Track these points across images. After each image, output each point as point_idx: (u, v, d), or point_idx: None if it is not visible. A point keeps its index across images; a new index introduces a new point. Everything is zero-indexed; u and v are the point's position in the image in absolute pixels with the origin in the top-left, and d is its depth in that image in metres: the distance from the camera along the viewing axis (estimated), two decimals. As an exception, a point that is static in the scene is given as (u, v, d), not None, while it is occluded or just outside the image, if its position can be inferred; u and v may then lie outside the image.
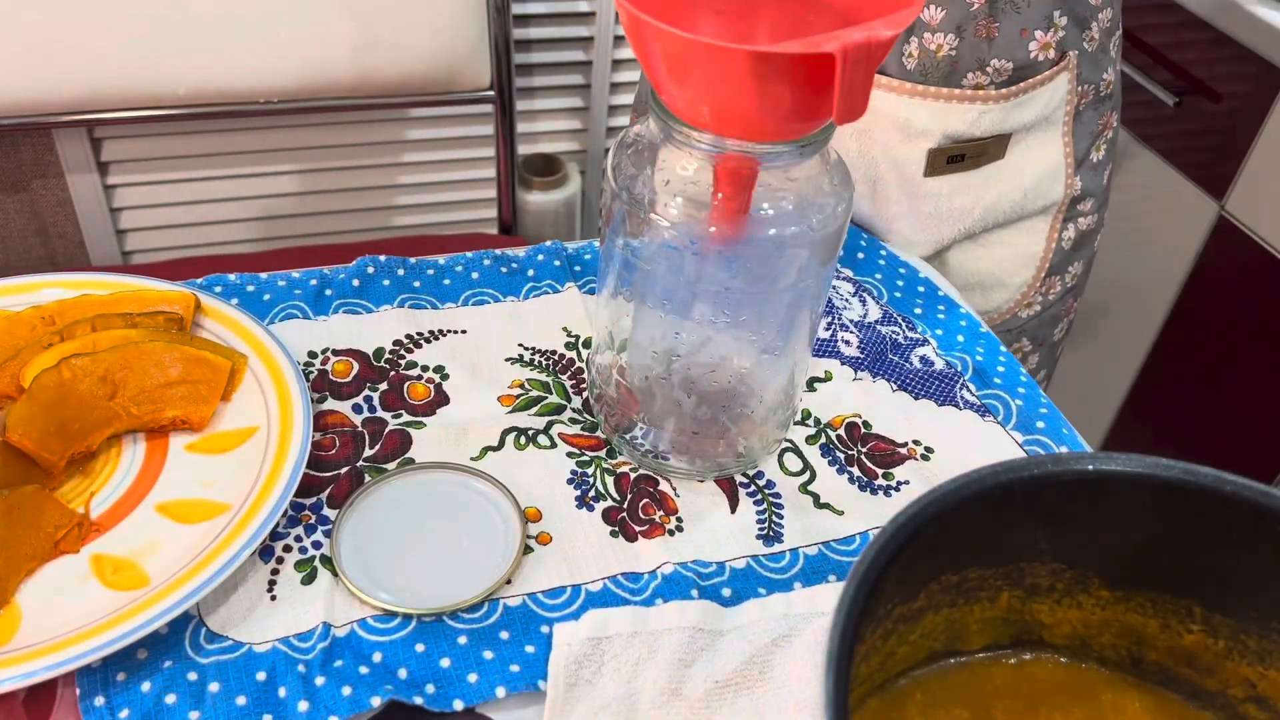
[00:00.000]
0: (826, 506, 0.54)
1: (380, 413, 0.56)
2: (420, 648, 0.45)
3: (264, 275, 0.64)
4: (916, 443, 0.58)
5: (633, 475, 0.54)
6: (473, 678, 0.44)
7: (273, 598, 0.47)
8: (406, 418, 0.56)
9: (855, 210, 0.73)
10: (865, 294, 0.68)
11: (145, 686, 0.43)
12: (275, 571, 0.48)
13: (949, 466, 0.56)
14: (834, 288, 0.68)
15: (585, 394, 0.58)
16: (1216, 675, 0.41)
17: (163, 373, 0.52)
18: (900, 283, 0.69)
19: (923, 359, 0.63)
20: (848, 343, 0.63)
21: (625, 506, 0.52)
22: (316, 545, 0.49)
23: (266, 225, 1.41)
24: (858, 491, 0.55)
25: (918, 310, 0.67)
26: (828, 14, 0.44)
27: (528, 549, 0.50)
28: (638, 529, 0.51)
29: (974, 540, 0.39)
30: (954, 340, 0.65)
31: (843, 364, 0.62)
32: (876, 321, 0.65)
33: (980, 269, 0.77)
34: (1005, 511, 0.38)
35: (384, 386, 0.57)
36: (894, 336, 0.64)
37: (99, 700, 0.42)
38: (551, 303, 0.64)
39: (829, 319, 0.65)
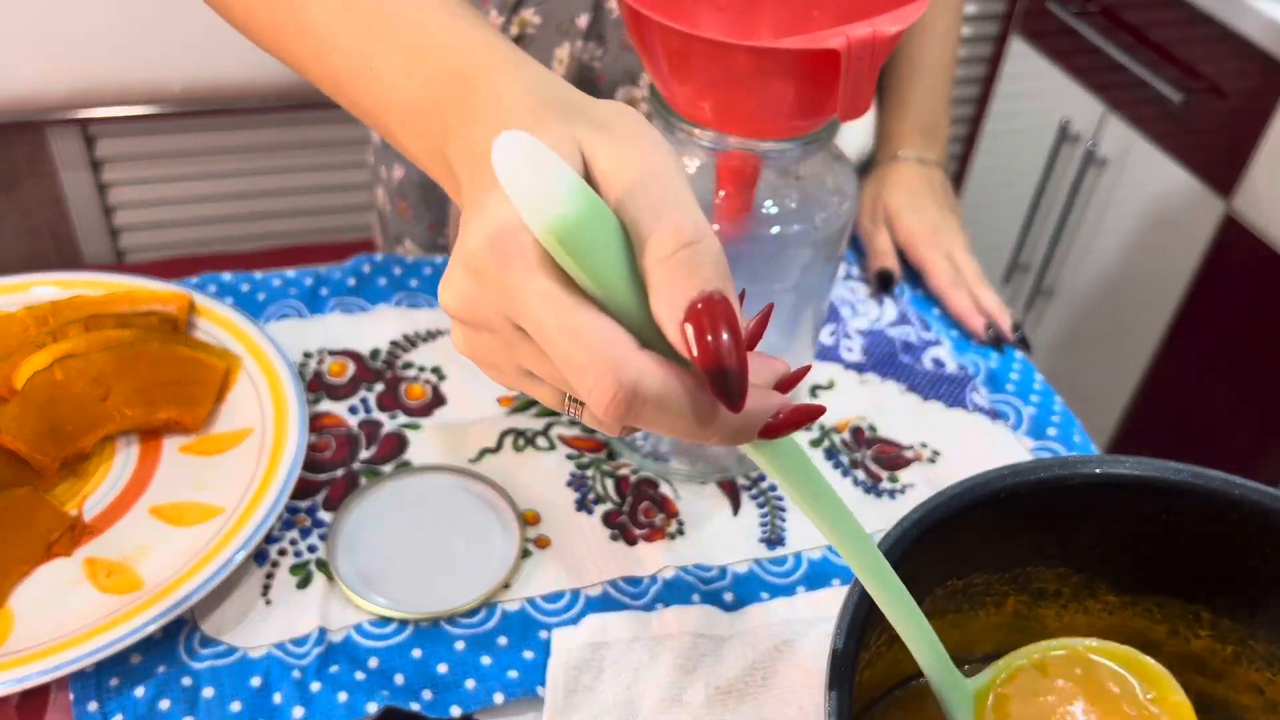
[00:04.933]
0: (829, 509, 0.53)
1: (376, 414, 0.55)
2: (417, 653, 0.45)
3: (258, 274, 0.63)
4: (924, 445, 0.57)
5: (633, 478, 0.54)
6: (470, 684, 0.44)
7: (267, 602, 0.46)
8: (403, 419, 0.55)
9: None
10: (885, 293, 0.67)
11: (139, 691, 0.42)
12: (270, 575, 0.47)
13: (956, 470, 0.55)
14: (851, 289, 0.67)
15: (585, 394, 0.58)
16: (1224, 680, 0.41)
17: (156, 374, 0.52)
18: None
19: (935, 360, 0.62)
20: (850, 349, 0.62)
21: (625, 509, 0.52)
22: (312, 549, 0.48)
23: (262, 223, 1.41)
24: (862, 495, 0.54)
25: (936, 310, 0.66)
26: (831, 10, 0.44)
27: (526, 553, 0.49)
28: (638, 532, 0.51)
29: (980, 545, 0.39)
30: (968, 343, 0.64)
31: (846, 369, 0.61)
32: (890, 324, 0.64)
33: None
34: (1012, 515, 0.38)
35: (380, 387, 0.57)
36: (905, 337, 0.63)
37: (92, 705, 0.42)
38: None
39: (833, 325, 0.64)
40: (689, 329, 0.25)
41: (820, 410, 0.28)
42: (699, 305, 0.25)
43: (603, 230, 0.25)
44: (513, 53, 0.32)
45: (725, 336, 0.25)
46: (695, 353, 0.25)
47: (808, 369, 0.30)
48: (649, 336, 0.26)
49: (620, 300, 0.26)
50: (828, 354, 0.62)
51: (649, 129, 0.29)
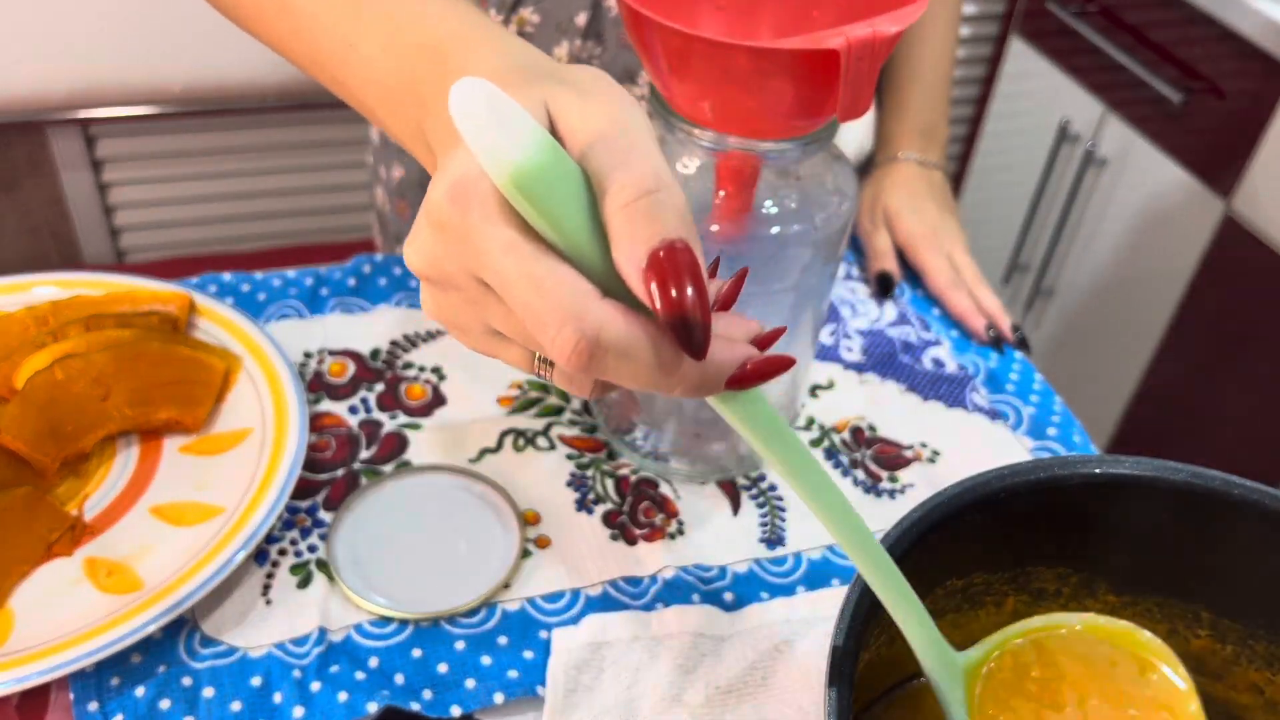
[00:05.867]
0: (829, 509, 0.53)
1: (376, 414, 0.55)
2: (417, 653, 0.45)
3: (259, 274, 0.63)
4: (924, 445, 0.57)
5: (633, 478, 0.54)
6: (470, 683, 0.44)
7: (268, 602, 0.46)
8: (403, 419, 0.55)
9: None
10: (886, 293, 0.67)
11: (139, 691, 0.42)
12: (270, 575, 0.47)
13: (955, 470, 0.55)
14: (851, 289, 0.67)
15: (585, 394, 0.58)
16: (1224, 680, 0.41)
17: (156, 374, 0.52)
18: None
19: (935, 360, 0.62)
20: (850, 349, 0.62)
21: (625, 509, 0.52)
22: (312, 549, 0.48)
23: (262, 223, 1.41)
24: (862, 494, 0.54)
25: (936, 311, 0.67)
26: (831, 10, 0.44)
27: (526, 552, 0.49)
28: (638, 532, 0.51)
29: (980, 544, 0.39)
30: (968, 343, 0.64)
31: (846, 369, 0.61)
32: (890, 324, 0.64)
33: None
34: (1011, 515, 0.38)
35: (380, 387, 0.57)
36: (905, 337, 0.64)
37: (92, 705, 0.42)
38: (551, 302, 0.63)
39: (834, 325, 0.64)
40: (650, 278, 0.24)
41: (790, 361, 0.27)
42: (660, 253, 0.24)
43: (564, 179, 0.25)
44: (487, 26, 0.32)
45: (687, 284, 0.24)
46: (657, 300, 0.24)
47: (783, 330, 0.29)
48: (612, 286, 0.26)
49: (582, 249, 0.25)
50: (828, 354, 0.62)
51: (617, 88, 0.28)
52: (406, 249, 0.29)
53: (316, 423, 0.54)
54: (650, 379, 0.26)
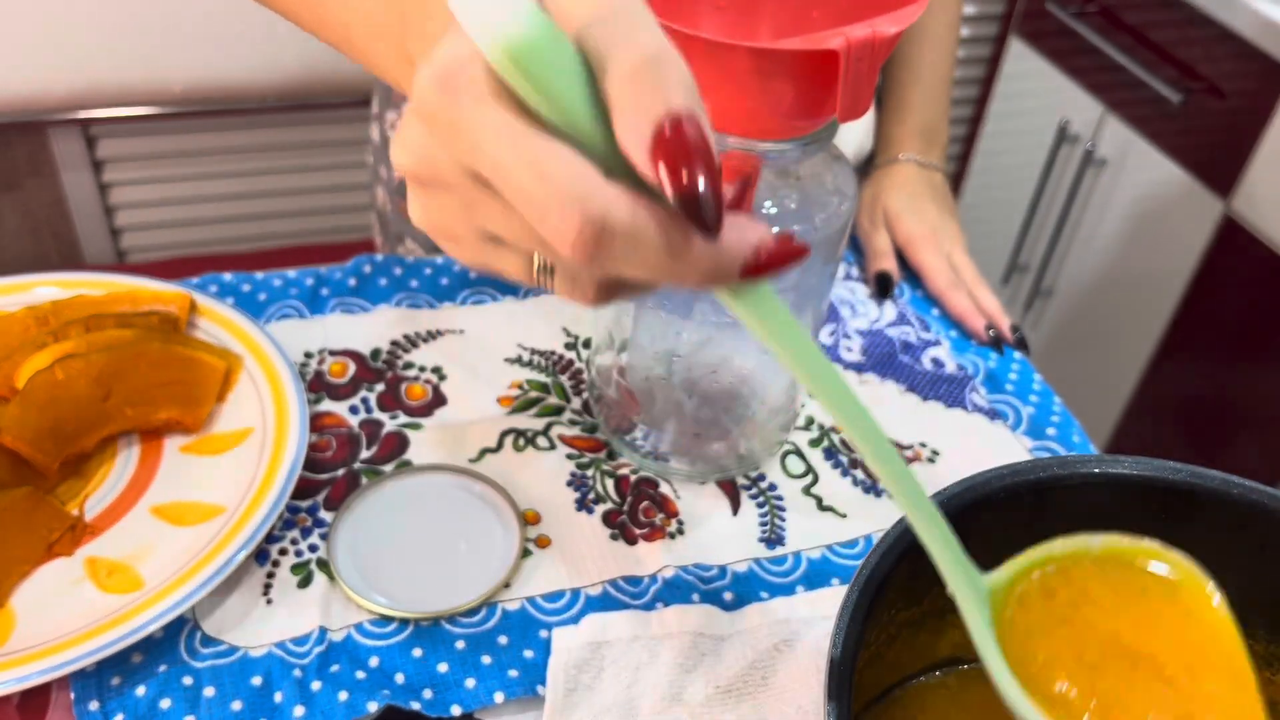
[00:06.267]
0: (829, 509, 0.53)
1: (377, 414, 0.55)
2: (417, 652, 0.45)
3: (259, 274, 0.63)
4: (923, 445, 0.57)
5: (633, 477, 0.54)
6: (470, 683, 0.44)
7: (268, 601, 0.46)
8: (404, 419, 0.55)
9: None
10: (886, 293, 0.67)
11: (140, 691, 0.42)
12: (271, 575, 0.47)
13: (955, 469, 0.55)
14: (851, 289, 0.67)
15: (585, 395, 0.58)
16: (1224, 680, 0.41)
17: (157, 374, 0.52)
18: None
19: (935, 360, 0.62)
20: (850, 349, 0.63)
21: (625, 509, 0.52)
22: (313, 549, 0.49)
23: (262, 224, 1.41)
24: (861, 494, 0.54)
25: (935, 311, 0.67)
26: (830, 10, 0.44)
27: (526, 552, 0.49)
28: (638, 532, 0.51)
29: (980, 545, 0.39)
30: (968, 343, 0.64)
31: (845, 369, 0.61)
32: (889, 324, 0.65)
33: None
34: (1011, 515, 0.38)
35: (381, 387, 0.57)
36: (904, 338, 0.64)
37: (93, 705, 0.42)
38: (551, 302, 0.64)
39: (833, 325, 0.64)
40: (657, 152, 0.23)
41: (805, 249, 0.26)
42: (667, 130, 0.23)
43: (561, 54, 0.24)
44: None
45: (698, 159, 0.23)
46: (665, 179, 0.23)
47: (793, 236, 0.27)
48: (615, 169, 0.24)
49: (582, 128, 0.24)
50: (827, 354, 0.62)
51: None
52: (393, 148, 0.27)
53: (317, 423, 0.54)
54: (661, 265, 0.24)
